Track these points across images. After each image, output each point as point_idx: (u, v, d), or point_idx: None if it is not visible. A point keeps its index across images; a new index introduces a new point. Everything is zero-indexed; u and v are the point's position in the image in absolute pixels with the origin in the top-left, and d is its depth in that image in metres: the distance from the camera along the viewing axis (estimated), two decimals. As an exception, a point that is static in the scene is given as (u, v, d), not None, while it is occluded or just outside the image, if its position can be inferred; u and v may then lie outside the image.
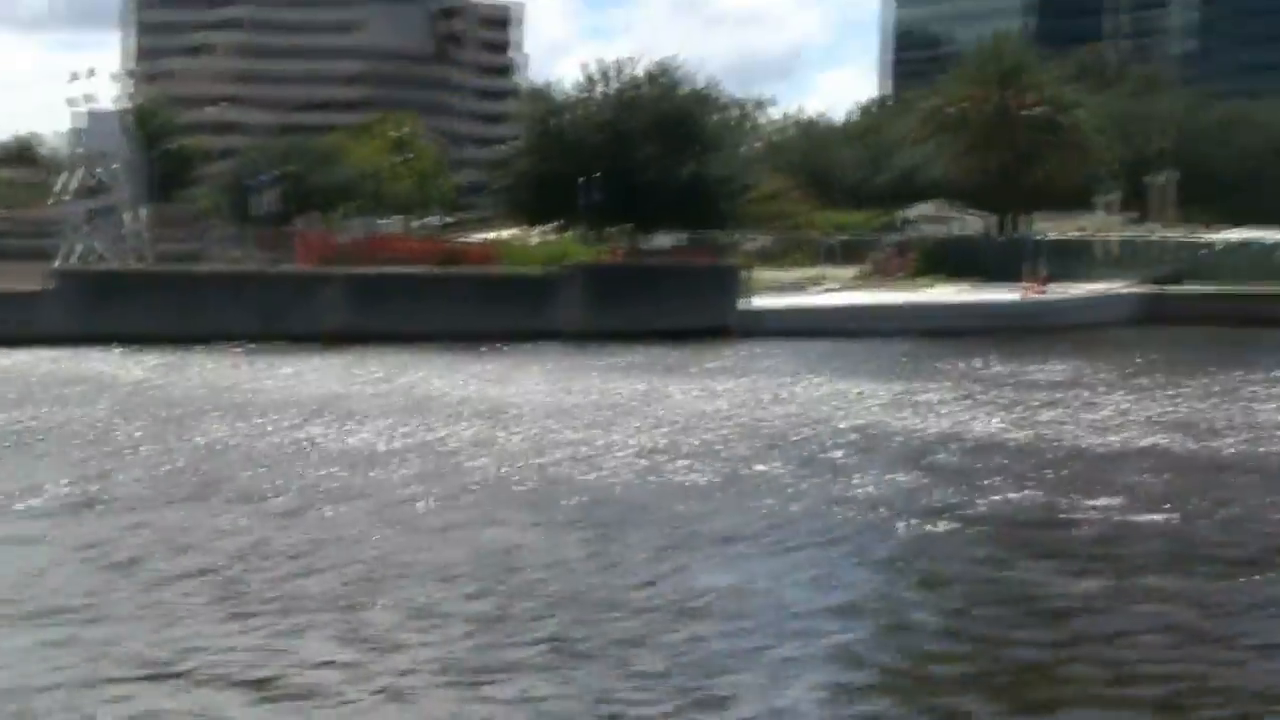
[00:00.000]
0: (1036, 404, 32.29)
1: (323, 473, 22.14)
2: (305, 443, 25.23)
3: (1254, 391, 35.59)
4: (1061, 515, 19.65)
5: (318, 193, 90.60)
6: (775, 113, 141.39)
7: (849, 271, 75.41)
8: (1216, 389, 35.91)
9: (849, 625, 14.37)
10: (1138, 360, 44.40)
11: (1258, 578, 16.52)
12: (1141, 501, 20.53)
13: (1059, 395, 33.98)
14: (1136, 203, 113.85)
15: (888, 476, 22.41)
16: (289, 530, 18.23)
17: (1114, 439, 26.77)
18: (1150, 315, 64.72)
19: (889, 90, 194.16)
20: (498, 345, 42.86)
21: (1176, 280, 70.09)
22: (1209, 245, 77.42)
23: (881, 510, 19.83)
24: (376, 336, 42.50)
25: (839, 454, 24.61)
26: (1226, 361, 44.12)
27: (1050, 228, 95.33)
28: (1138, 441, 26.50)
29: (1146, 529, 18.81)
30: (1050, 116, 79.39)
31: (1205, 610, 15.02)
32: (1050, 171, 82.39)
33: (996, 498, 20.72)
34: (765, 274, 63.14)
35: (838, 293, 60.79)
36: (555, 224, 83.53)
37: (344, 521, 18.71)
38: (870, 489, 21.33)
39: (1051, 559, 17.23)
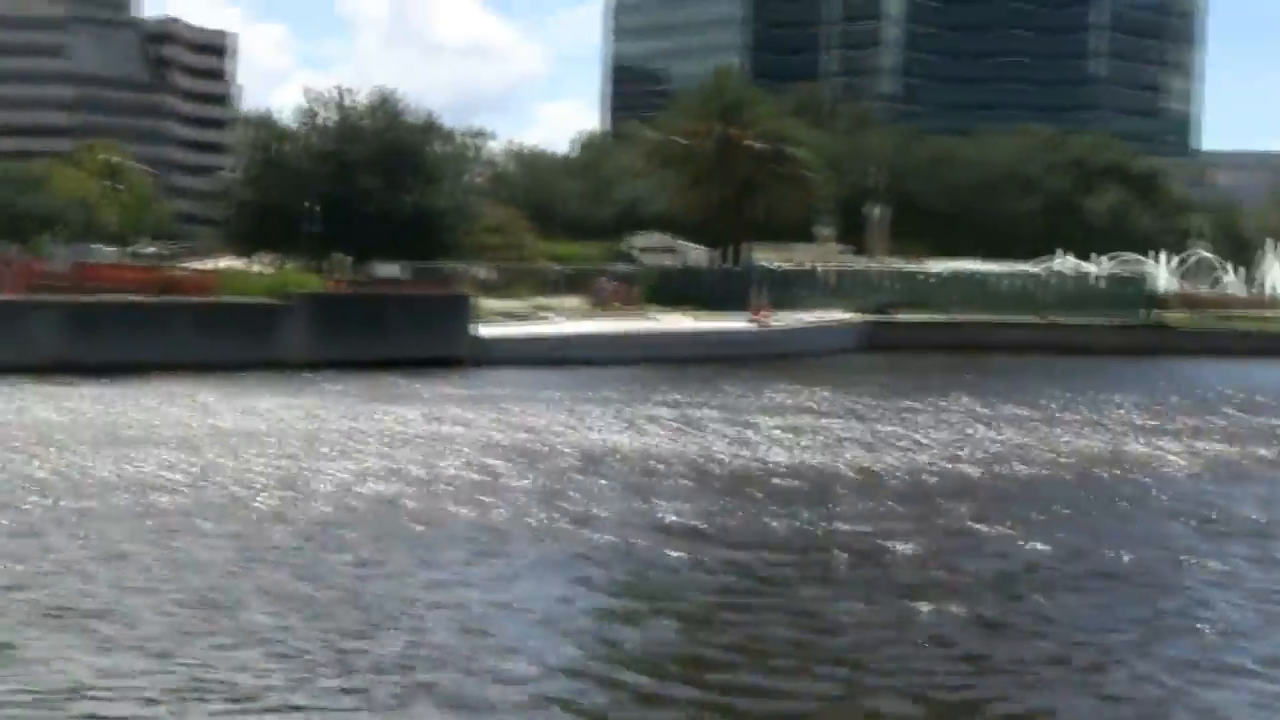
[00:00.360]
0: (773, 426, 32.42)
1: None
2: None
3: (978, 412, 36.49)
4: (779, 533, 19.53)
5: (25, 219, 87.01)
6: (495, 146, 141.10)
7: (575, 301, 75.56)
8: (942, 411, 36.73)
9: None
10: (866, 384, 45.25)
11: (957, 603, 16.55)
12: (871, 520, 20.58)
13: (795, 419, 34.23)
14: (852, 236, 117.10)
15: (619, 496, 22.10)
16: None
17: (851, 459, 26.95)
18: (871, 343, 66.37)
19: (608, 124, 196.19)
20: (220, 375, 41.35)
21: (894, 309, 72.01)
22: (925, 276, 79.81)
23: (603, 527, 19.49)
24: (93, 367, 40.53)
25: (576, 474, 24.23)
26: (948, 385, 45.22)
27: (771, 258, 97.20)
28: (875, 463, 26.71)
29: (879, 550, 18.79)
30: (772, 150, 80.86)
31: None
32: (771, 204, 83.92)
33: (739, 519, 20.51)
34: (492, 304, 62.64)
35: (567, 323, 60.56)
36: (274, 255, 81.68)
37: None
38: (595, 508, 20.99)
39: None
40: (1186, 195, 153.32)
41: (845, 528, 19.89)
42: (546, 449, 27.79)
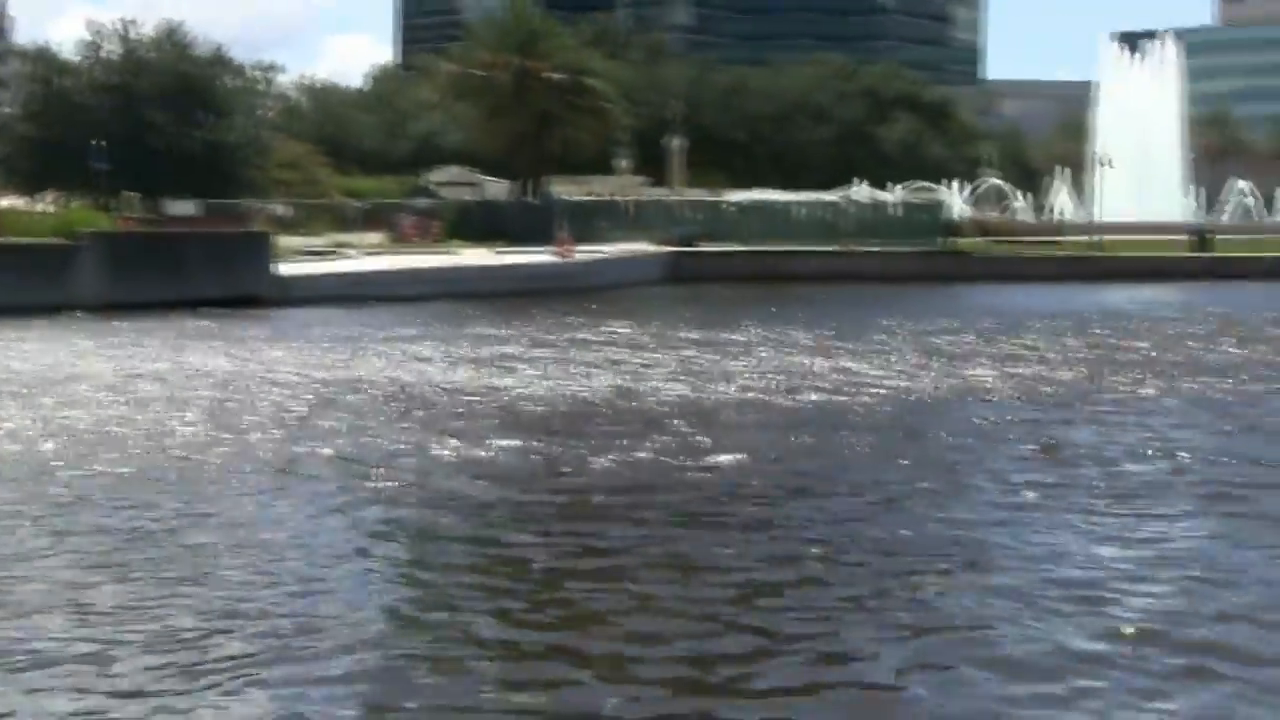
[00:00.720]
0: (592, 359, 32.10)
1: None
2: None
3: (791, 341, 36.63)
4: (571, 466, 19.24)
5: None
6: (285, 80, 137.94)
7: (376, 238, 74.39)
8: (749, 340, 36.81)
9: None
10: (672, 315, 45.19)
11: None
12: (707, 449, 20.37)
13: (621, 352, 33.99)
14: (649, 167, 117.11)
15: (426, 434, 21.67)
16: None
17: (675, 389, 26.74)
18: (674, 275, 66.34)
19: (400, 57, 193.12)
20: (7, 319, 39.67)
21: (696, 240, 72.07)
22: (726, 206, 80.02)
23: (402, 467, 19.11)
24: None
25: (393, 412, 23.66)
26: (753, 315, 45.41)
27: (570, 191, 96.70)
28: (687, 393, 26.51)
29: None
30: (571, 82, 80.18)
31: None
32: (570, 136, 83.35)
33: (580, 454, 20.15)
34: (291, 241, 61.29)
35: (369, 259, 59.48)
36: (59, 193, 78.94)
37: None
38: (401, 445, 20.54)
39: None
40: (975, 124, 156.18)
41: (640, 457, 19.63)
42: (353, 388, 27.18)
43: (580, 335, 38.65)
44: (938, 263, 70.33)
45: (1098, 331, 41.29)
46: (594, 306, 48.86)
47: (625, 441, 21.00)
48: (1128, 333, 41.03)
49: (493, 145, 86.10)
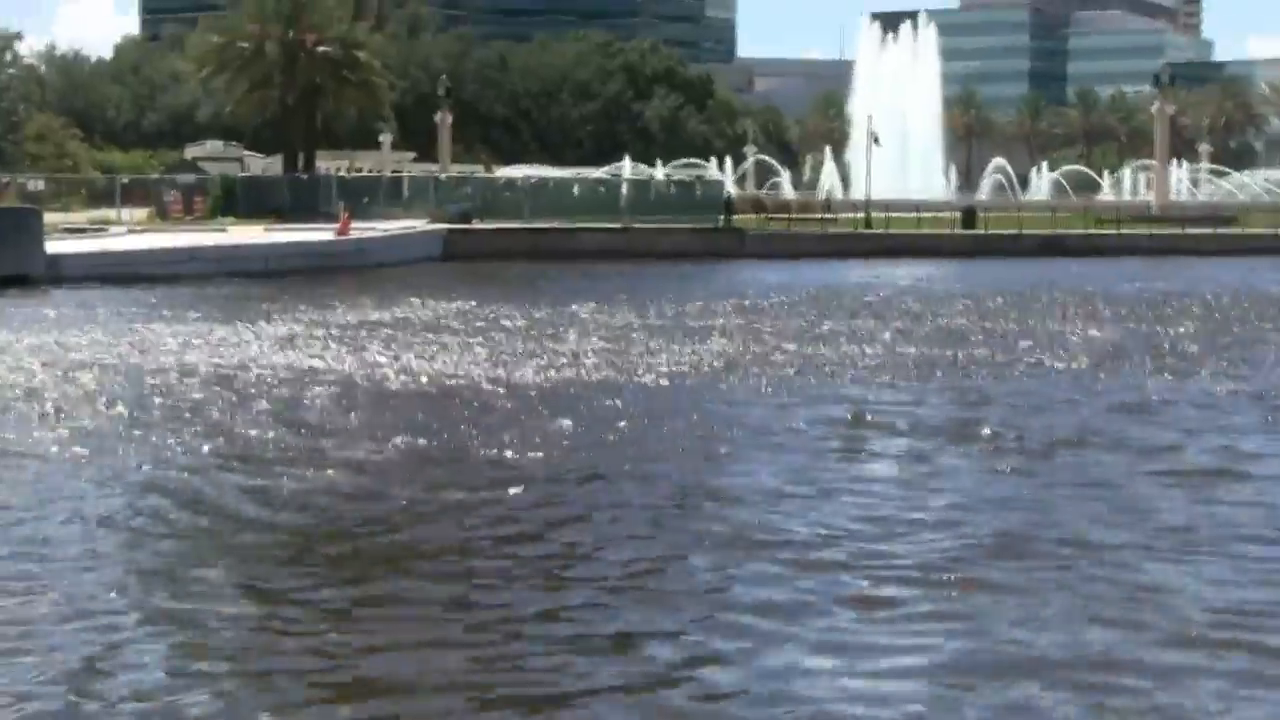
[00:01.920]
0: (379, 341, 31.15)
1: None
2: None
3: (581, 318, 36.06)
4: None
5: None
6: (24, 49, 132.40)
7: (140, 214, 71.65)
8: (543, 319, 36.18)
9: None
10: (457, 293, 44.28)
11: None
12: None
13: (393, 332, 33.07)
14: (411, 142, 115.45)
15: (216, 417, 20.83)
16: None
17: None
18: (451, 252, 65.23)
19: (139, 25, 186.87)
20: None
21: (472, 217, 70.96)
22: (500, 182, 79.08)
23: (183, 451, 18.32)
24: None
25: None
26: (538, 293, 44.87)
27: (336, 166, 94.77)
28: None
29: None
30: (341, 55, 78.17)
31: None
32: (341, 110, 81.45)
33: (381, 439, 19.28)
34: (51, 218, 58.42)
35: (141, 237, 57.12)
36: None
37: None
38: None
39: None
40: (735, 101, 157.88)
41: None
42: (139, 369, 26.06)
43: (373, 316, 37.57)
44: (717, 240, 70.44)
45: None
46: (374, 284, 47.97)
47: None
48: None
49: (257, 117, 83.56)
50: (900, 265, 65.08)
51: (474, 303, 41.59)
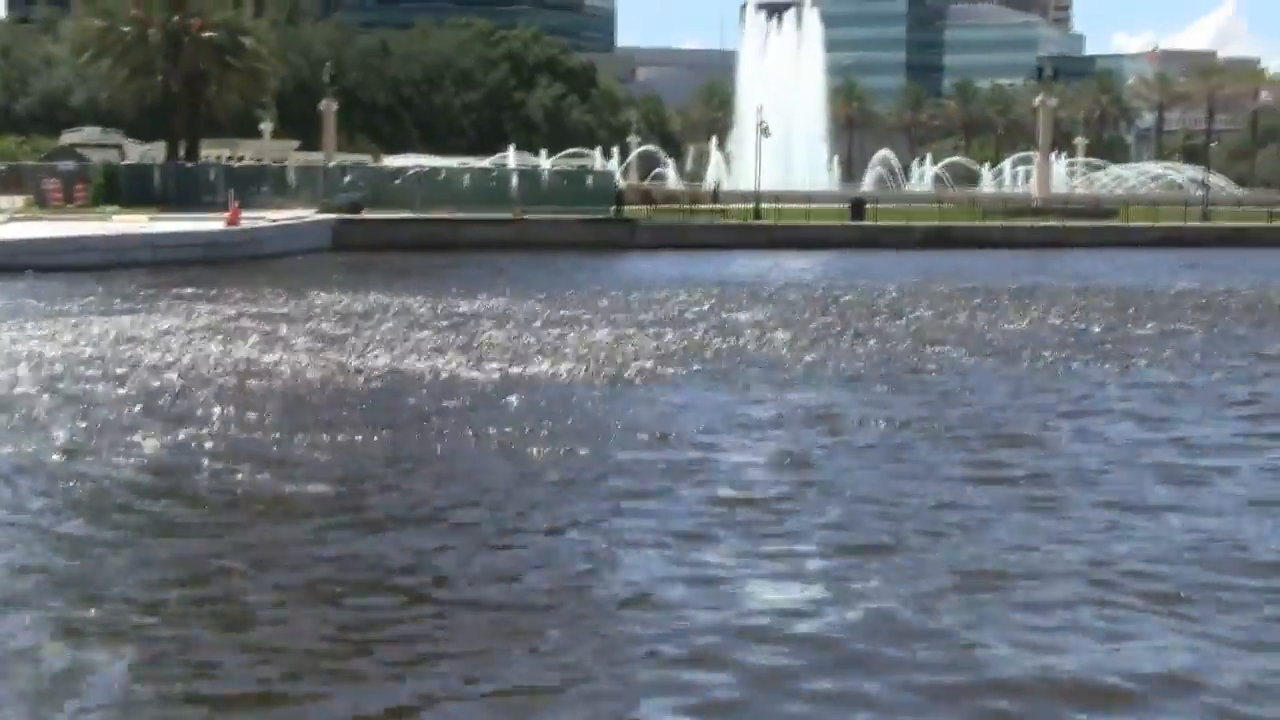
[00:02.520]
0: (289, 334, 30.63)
1: None
2: None
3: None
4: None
5: None
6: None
7: (18, 202, 70.05)
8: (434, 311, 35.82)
9: None
10: (360, 284, 43.75)
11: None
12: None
13: (292, 327, 32.58)
14: (293, 130, 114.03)
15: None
16: None
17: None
18: (341, 242, 64.47)
19: (14, 8, 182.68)
20: None
21: (361, 207, 70.17)
22: (390, 172, 78.23)
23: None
24: None
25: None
26: (428, 285, 44.45)
27: (220, 154, 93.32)
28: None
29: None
30: (227, 41, 76.78)
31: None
32: (224, 97, 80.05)
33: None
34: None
35: (25, 225, 55.73)
36: None
37: None
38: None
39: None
40: (618, 91, 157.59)
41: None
42: (31, 364, 25.50)
43: (274, 309, 36.96)
44: (609, 230, 70.26)
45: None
46: (268, 275, 47.37)
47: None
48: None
49: (138, 104, 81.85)
50: (792, 257, 65.37)
51: (375, 294, 41.13)
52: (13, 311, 35.13)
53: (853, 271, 56.62)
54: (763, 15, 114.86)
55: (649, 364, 26.98)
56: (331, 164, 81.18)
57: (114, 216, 63.15)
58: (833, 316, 37.13)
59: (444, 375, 25.33)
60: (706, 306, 39.25)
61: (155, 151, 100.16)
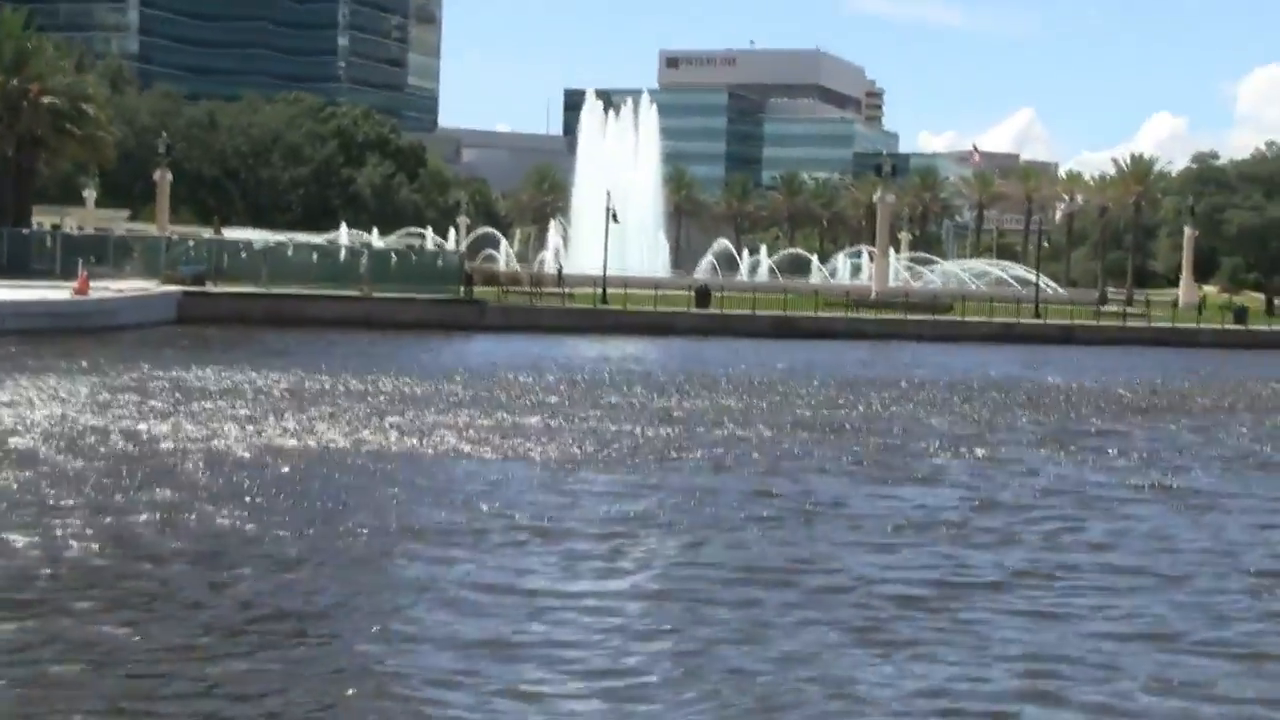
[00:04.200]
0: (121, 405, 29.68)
1: None
2: None
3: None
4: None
5: None
6: None
7: None
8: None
9: None
10: (217, 360, 42.78)
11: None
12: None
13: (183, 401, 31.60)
14: (117, 200, 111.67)
15: None
16: None
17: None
18: (187, 315, 63.00)
19: None
20: None
21: (205, 280, 68.66)
22: (234, 245, 76.76)
23: None
24: None
25: None
26: (286, 361, 43.61)
27: (43, 222, 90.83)
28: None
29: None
30: (68, 106, 74.71)
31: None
32: (59, 164, 77.88)
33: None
34: None
35: None
36: None
37: None
38: None
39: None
40: (446, 171, 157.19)
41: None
42: None
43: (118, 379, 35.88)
44: (457, 312, 69.68)
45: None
46: (115, 348, 46.49)
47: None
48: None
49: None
50: (638, 342, 65.45)
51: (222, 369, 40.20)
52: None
53: (718, 362, 56.67)
54: (599, 104, 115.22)
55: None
56: (174, 236, 79.30)
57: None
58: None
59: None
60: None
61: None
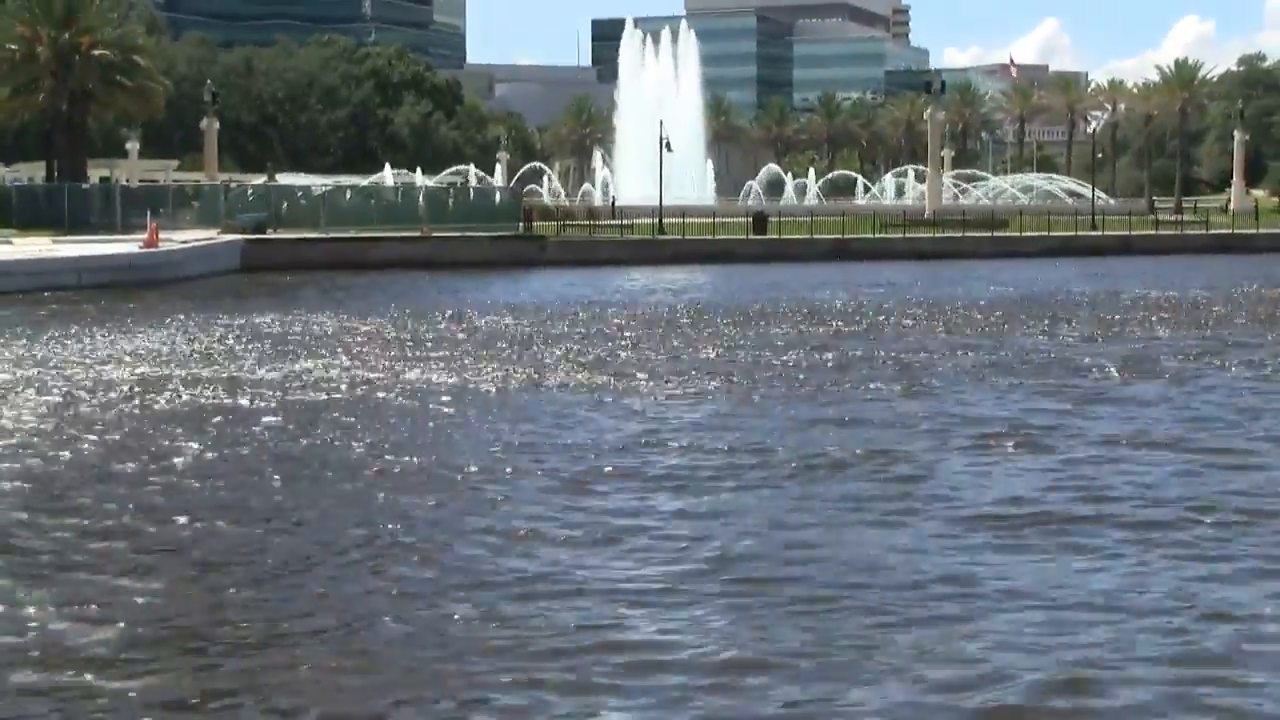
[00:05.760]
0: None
1: None
2: None
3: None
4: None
5: None
6: None
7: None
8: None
9: None
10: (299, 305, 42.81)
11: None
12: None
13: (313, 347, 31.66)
14: (158, 149, 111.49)
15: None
16: None
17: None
18: (249, 263, 63.06)
19: None
20: None
21: (266, 227, 68.66)
22: (292, 191, 76.66)
23: None
24: None
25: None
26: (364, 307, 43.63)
27: (100, 175, 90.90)
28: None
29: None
30: (119, 58, 74.51)
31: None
32: (108, 117, 77.83)
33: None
34: None
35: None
36: None
37: None
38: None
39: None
40: (482, 107, 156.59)
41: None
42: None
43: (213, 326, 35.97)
44: (519, 248, 69.61)
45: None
46: (196, 298, 46.69)
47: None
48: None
49: (15, 124, 79.12)
50: (699, 271, 65.36)
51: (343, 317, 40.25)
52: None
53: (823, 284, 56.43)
54: (639, 33, 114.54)
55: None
56: (230, 183, 79.24)
57: (14, 239, 60.93)
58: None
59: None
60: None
61: (21, 173, 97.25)
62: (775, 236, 76.52)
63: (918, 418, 22.31)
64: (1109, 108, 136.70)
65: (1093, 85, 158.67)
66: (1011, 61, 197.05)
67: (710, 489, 17.27)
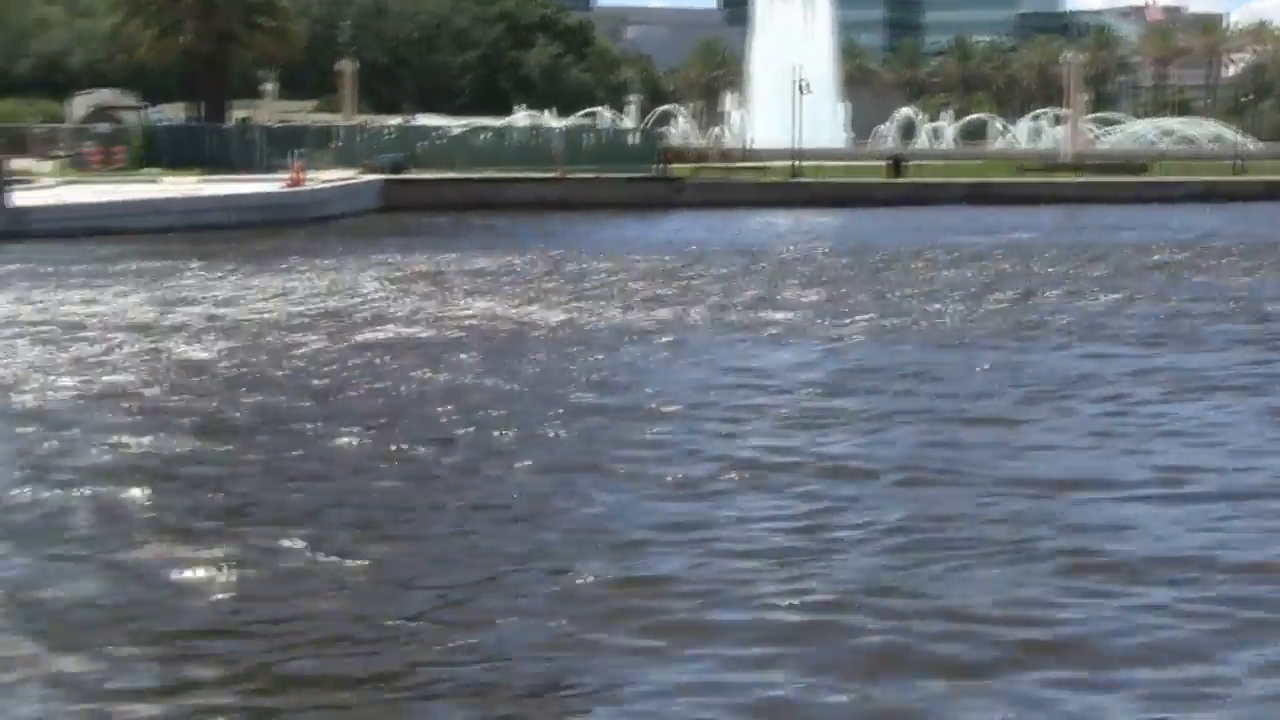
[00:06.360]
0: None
1: None
2: None
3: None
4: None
5: None
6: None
7: (46, 165, 68.75)
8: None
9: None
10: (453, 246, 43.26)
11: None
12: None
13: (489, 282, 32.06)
14: (294, 91, 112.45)
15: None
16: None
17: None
18: (388, 203, 63.74)
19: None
20: None
21: (404, 168, 69.26)
22: (430, 131, 77.23)
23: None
24: None
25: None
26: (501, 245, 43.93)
27: (241, 116, 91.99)
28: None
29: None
30: (262, 1, 75.40)
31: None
32: (249, 58, 78.81)
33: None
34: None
35: (83, 188, 54.64)
36: None
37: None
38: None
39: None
40: (613, 49, 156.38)
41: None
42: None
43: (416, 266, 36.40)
44: (655, 190, 69.59)
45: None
46: (338, 237, 47.52)
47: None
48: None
49: (166, 64, 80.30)
50: (838, 214, 64.95)
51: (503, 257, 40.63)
52: (166, 273, 34.39)
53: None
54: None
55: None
56: (367, 124, 79.99)
57: (162, 179, 62.02)
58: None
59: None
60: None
61: (166, 113, 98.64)
62: (913, 180, 75.81)
63: None
64: (1254, 50, 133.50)
65: (1232, 27, 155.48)
66: (1154, 3, 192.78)
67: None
